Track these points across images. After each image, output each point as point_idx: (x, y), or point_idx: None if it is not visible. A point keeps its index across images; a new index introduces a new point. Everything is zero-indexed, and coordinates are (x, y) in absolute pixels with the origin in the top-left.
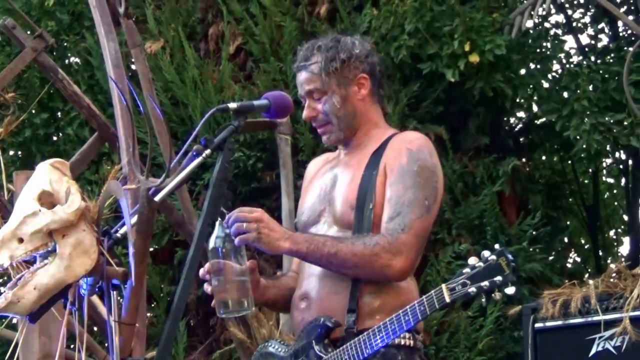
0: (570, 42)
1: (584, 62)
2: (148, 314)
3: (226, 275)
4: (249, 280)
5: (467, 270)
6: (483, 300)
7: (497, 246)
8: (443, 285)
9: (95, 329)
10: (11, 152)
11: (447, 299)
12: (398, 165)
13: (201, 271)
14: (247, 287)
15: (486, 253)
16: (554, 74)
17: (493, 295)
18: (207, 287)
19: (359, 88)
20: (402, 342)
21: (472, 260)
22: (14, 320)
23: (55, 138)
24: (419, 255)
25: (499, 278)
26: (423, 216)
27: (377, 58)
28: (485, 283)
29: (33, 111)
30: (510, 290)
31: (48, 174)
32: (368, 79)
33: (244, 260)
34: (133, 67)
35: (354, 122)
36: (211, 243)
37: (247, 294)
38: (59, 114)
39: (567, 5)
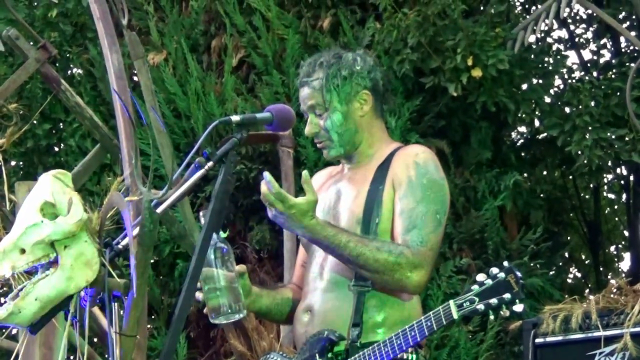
0: (572, 57)
1: (586, 78)
2: (148, 326)
3: (217, 281)
4: (239, 286)
5: (475, 286)
6: (491, 317)
7: (505, 263)
8: (451, 302)
9: (95, 340)
10: (13, 163)
11: (455, 315)
12: (406, 179)
13: None
14: (237, 293)
15: (494, 270)
16: (555, 89)
17: (501, 312)
18: (198, 295)
19: (361, 104)
20: (405, 357)
21: (480, 277)
22: (14, 331)
23: (57, 149)
24: (433, 269)
25: (507, 295)
26: (437, 230)
27: (379, 73)
28: (494, 300)
29: (35, 122)
30: (518, 307)
31: (50, 185)
32: (370, 94)
33: (233, 266)
34: (135, 78)
35: (355, 138)
36: None
37: (238, 299)
38: (61, 125)
39: (569, 21)
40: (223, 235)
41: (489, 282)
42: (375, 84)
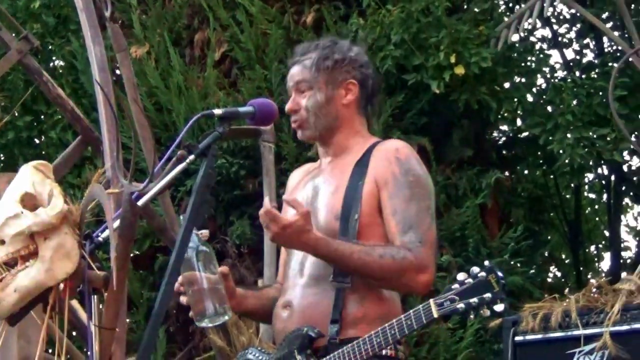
0: (555, 56)
1: (569, 77)
2: (128, 320)
3: (200, 285)
4: (223, 288)
5: (455, 285)
6: (472, 316)
7: (486, 262)
8: (431, 300)
9: (74, 333)
10: None
11: (435, 314)
12: (391, 177)
13: (175, 284)
14: (222, 295)
15: (475, 269)
16: (538, 87)
17: (482, 312)
18: (182, 299)
19: (346, 93)
20: (384, 353)
21: (461, 276)
22: None
23: (38, 141)
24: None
25: (488, 295)
26: (432, 225)
27: (372, 72)
28: (474, 300)
29: (16, 113)
30: (499, 307)
31: (31, 176)
32: (357, 86)
33: (216, 268)
34: (118, 71)
35: (333, 125)
36: None
37: (223, 301)
38: (43, 117)
39: (553, 20)
40: (204, 237)
41: (470, 281)
42: (365, 79)
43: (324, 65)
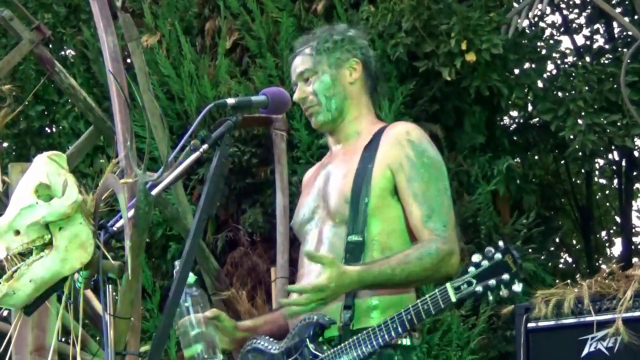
0: (565, 42)
1: (579, 63)
2: (141, 308)
3: (189, 328)
4: (214, 330)
5: (471, 268)
6: (490, 298)
7: (500, 243)
8: (447, 284)
9: (87, 322)
10: (5, 144)
11: (453, 298)
12: (406, 160)
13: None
14: (211, 339)
15: (490, 250)
16: (549, 73)
17: (500, 292)
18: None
19: (350, 72)
20: (399, 341)
21: (476, 258)
22: (5, 312)
23: (50, 131)
24: None
25: (506, 276)
26: (451, 206)
27: (373, 54)
28: (492, 281)
29: (28, 103)
30: (517, 287)
31: (45, 166)
32: (360, 64)
33: (205, 309)
34: (129, 60)
35: (344, 104)
36: None
37: (211, 344)
38: (55, 106)
39: (563, 6)
40: (191, 280)
41: (485, 263)
42: (367, 60)
43: (325, 47)
